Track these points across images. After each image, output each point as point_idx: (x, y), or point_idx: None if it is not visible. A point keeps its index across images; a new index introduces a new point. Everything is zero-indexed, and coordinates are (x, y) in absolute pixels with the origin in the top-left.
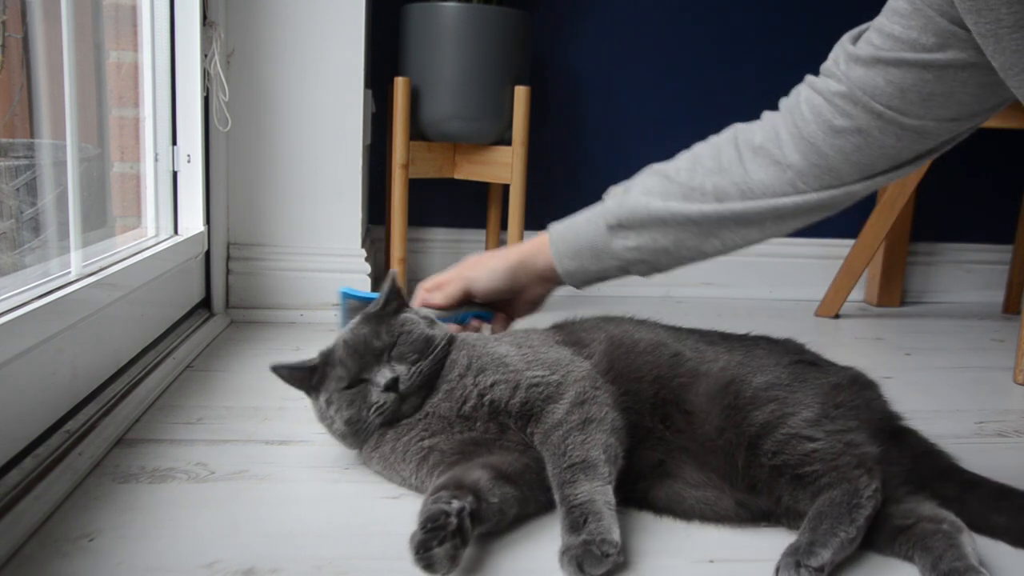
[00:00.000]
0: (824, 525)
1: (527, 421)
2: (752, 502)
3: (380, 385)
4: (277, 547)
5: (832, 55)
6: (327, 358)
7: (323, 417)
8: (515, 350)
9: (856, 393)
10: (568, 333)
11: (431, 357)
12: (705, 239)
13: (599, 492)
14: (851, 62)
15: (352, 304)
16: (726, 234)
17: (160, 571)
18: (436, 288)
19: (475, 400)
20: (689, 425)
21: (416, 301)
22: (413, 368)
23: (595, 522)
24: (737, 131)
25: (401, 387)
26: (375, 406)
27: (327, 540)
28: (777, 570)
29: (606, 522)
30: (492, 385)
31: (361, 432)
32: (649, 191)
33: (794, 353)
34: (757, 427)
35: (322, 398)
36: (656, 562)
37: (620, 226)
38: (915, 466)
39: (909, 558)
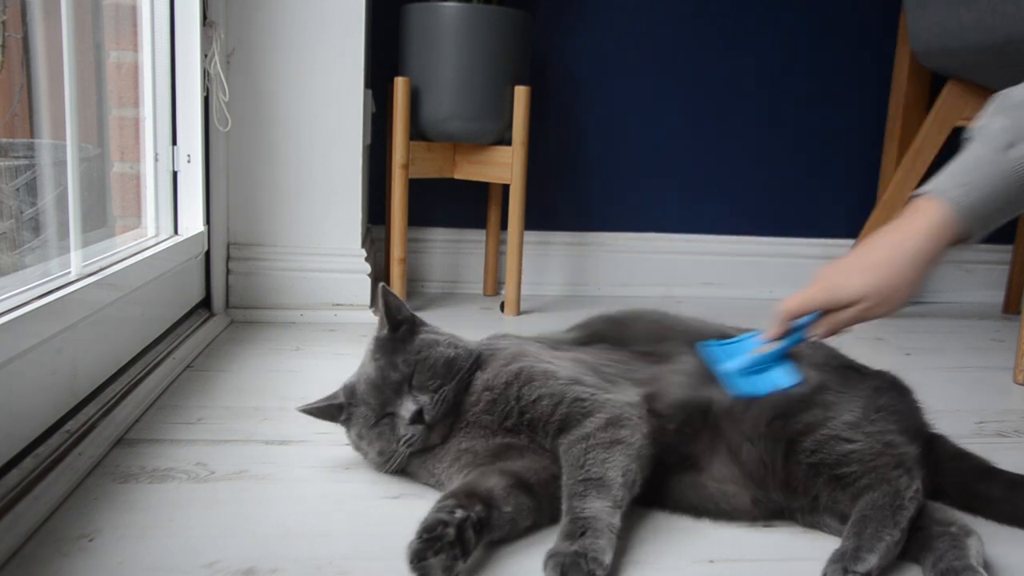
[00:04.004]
0: (869, 529)
1: (560, 434)
2: (770, 500)
3: (405, 419)
4: (277, 547)
5: None
6: (351, 394)
7: (357, 448)
8: (572, 364)
9: (896, 397)
10: (651, 354)
11: (455, 380)
12: None
13: (606, 513)
14: None
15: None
16: None
17: (160, 571)
18: (825, 319)
19: (516, 418)
20: (744, 408)
21: (781, 327)
22: (436, 396)
23: (592, 538)
24: None
25: (427, 418)
26: (403, 439)
27: (327, 540)
28: None
29: (603, 542)
30: (535, 400)
31: (394, 461)
32: None
33: (834, 356)
34: (802, 425)
35: (352, 432)
36: (656, 562)
37: None
38: (951, 468)
39: (916, 560)
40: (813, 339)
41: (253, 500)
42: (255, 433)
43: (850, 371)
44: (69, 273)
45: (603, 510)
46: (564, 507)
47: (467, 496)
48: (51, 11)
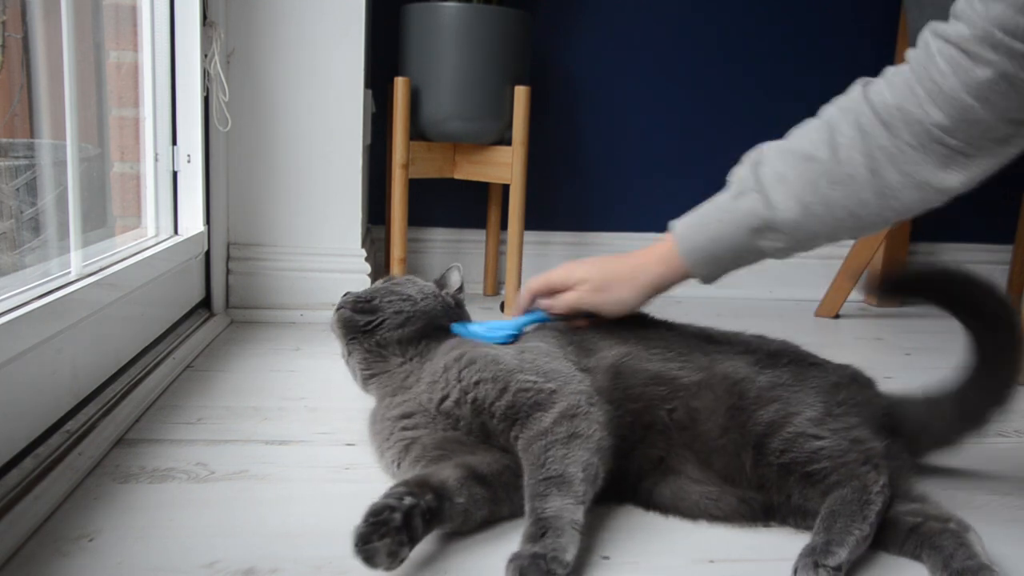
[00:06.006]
0: (838, 524)
1: (511, 424)
2: (754, 498)
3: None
4: (277, 547)
5: None
6: None
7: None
8: (513, 352)
9: (856, 391)
10: (579, 340)
11: (382, 289)
12: (864, 226)
13: (568, 510)
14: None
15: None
16: (887, 213)
17: (160, 571)
18: (554, 297)
19: (458, 395)
20: (693, 423)
21: (524, 302)
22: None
23: (553, 538)
24: (866, 92)
25: (340, 300)
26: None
27: (327, 540)
28: (795, 571)
29: (564, 540)
30: (477, 383)
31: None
32: (788, 180)
33: (792, 353)
34: (763, 426)
35: None
36: (656, 562)
37: (769, 229)
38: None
39: (917, 557)
40: (549, 314)
41: (253, 500)
42: (255, 433)
43: (807, 366)
44: (69, 273)
45: (565, 508)
46: (527, 508)
47: (419, 485)
48: (51, 11)
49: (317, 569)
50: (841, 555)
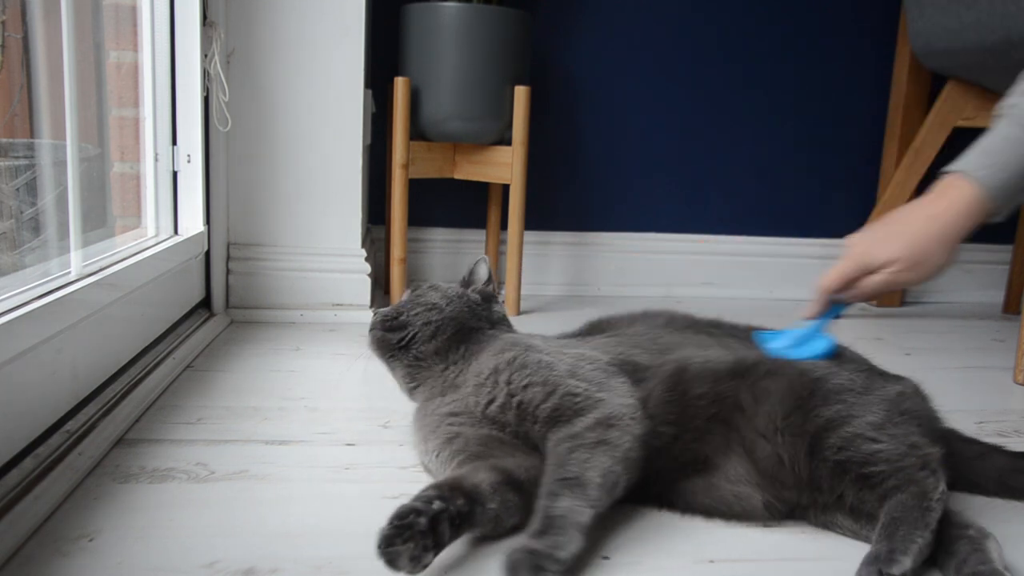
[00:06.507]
0: (901, 531)
1: (551, 427)
2: (785, 499)
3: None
4: (277, 547)
5: None
6: None
7: None
8: (568, 360)
9: (919, 402)
10: (654, 341)
11: (407, 303)
12: None
13: (576, 512)
14: None
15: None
16: None
17: (160, 571)
18: (853, 287)
19: (503, 400)
20: (755, 402)
21: (824, 301)
22: (394, 307)
23: (554, 536)
24: None
25: (371, 321)
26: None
27: (327, 540)
28: None
29: (563, 539)
30: (526, 387)
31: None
32: None
33: (862, 361)
34: (823, 420)
35: None
36: (656, 562)
37: None
38: (981, 467)
39: (933, 562)
40: (848, 303)
41: (253, 500)
42: (255, 433)
43: (875, 375)
44: (69, 273)
45: (573, 508)
46: (537, 506)
47: (451, 489)
48: (51, 11)
49: (317, 569)
50: (905, 564)
